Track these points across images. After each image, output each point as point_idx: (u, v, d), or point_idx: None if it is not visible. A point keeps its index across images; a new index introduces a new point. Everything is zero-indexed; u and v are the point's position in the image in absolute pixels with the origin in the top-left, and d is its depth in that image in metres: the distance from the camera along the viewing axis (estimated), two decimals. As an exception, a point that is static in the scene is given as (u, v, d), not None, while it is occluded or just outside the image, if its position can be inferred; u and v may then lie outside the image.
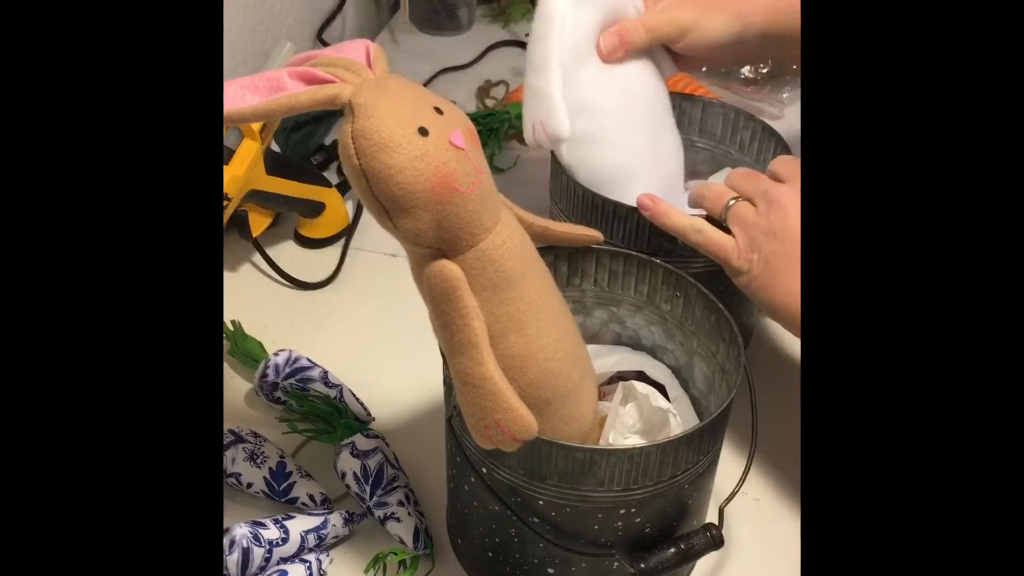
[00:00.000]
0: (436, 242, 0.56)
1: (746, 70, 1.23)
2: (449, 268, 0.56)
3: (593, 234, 0.69)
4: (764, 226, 0.69)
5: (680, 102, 0.89)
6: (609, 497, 0.60)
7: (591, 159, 0.79)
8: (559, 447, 0.58)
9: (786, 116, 1.18)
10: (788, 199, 0.69)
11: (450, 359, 0.58)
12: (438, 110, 0.55)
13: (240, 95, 0.55)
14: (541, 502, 0.61)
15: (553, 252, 0.70)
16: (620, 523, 0.62)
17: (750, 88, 1.21)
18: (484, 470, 0.62)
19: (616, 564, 0.62)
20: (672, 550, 0.62)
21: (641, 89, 0.82)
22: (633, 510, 0.61)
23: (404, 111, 0.54)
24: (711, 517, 0.66)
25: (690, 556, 0.63)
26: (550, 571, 0.64)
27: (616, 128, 0.79)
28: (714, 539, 0.63)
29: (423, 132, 0.53)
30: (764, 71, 1.22)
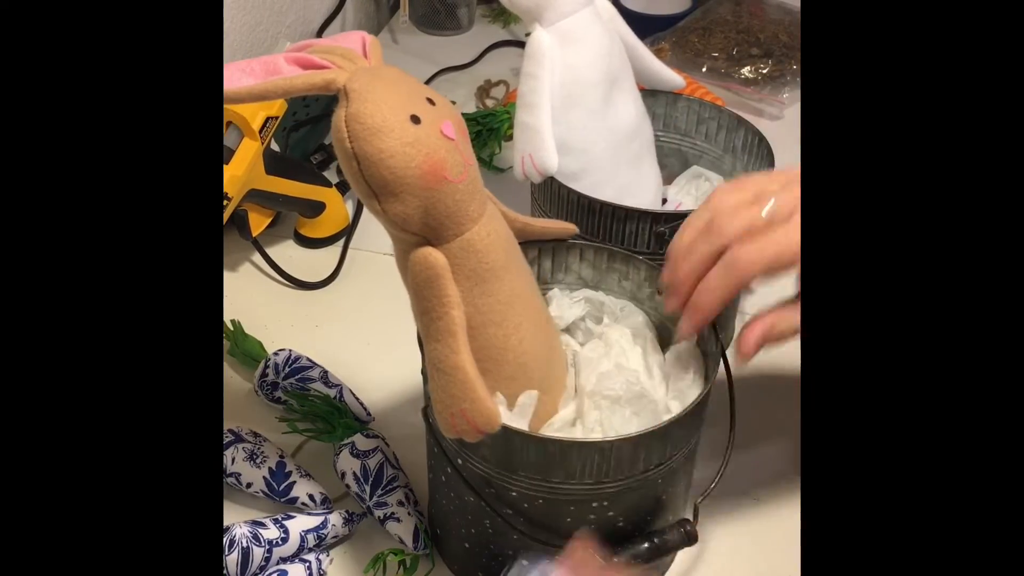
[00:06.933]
0: (422, 229, 0.57)
1: (746, 70, 1.22)
2: (434, 255, 0.57)
3: (568, 226, 0.71)
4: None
5: (643, 99, 0.88)
6: (581, 490, 0.60)
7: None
8: (530, 438, 0.59)
9: (786, 116, 1.18)
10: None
11: (426, 346, 0.59)
12: (430, 101, 0.56)
13: (237, 77, 0.56)
14: (514, 493, 0.61)
15: (537, 247, 0.71)
16: (593, 516, 0.62)
17: (750, 88, 1.21)
18: (459, 461, 0.63)
19: (588, 556, 0.63)
20: (645, 545, 0.63)
21: (627, 129, 0.83)
22: (605, 503, 0.61)
23: (397, 99, 0.55)
24: (689, 512, 0.66)
25: (663, 551, 0.63)
26: (524, 562, 0.64)
27: (599, 167, 0.82)
28: (688, 535, 0.64)
29: (415, 120, 0.54)
30: (764, 71, 1.22)
